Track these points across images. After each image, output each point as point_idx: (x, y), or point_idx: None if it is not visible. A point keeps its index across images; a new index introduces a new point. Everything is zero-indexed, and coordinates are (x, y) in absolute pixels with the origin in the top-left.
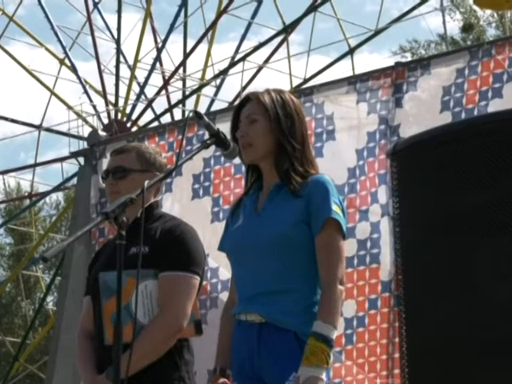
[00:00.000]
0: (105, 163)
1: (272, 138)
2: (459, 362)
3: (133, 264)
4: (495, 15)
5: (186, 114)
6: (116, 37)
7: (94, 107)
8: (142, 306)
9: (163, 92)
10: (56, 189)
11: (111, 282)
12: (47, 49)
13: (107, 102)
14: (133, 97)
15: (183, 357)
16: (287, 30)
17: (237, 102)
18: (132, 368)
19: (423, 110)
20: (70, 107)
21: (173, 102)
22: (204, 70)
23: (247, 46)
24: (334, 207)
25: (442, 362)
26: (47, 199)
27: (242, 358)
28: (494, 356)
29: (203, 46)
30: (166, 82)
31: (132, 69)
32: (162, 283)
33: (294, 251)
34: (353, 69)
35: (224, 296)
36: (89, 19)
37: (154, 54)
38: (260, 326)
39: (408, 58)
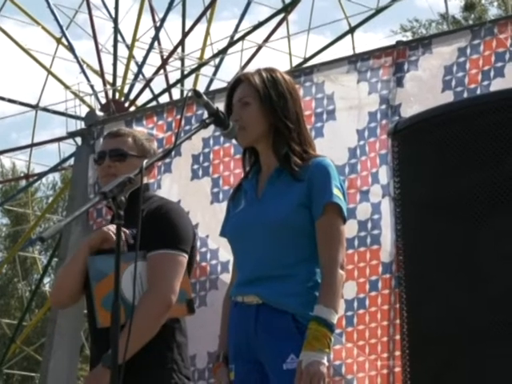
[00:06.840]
0: None
1: (266, 120)
2: (461, 345)
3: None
4: None
5: (185, 93)
6: (114, 15)
7: (92, 87)
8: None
9: (161, 71)
10: (53, 169)
11: (101, 265)
12: (44, 27)
13: (105, 82)
14: (131, 76)
15: (175, 339)
16: (287, 8)
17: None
18: (130, 350)
19: (424, 90)
20: (67, 87)
21: (171, 81)
22: (203, 50)
23: (242, 24)
24: (335, 191)
25: (444, 344)
26: (44, 180)
27: (239, 340)
28: (497, 339)
29: (201, 25)
30: (165, 62)
31: (130, 48)
32: (150, 263)
33: (295, 236)
34: (353, 48)
35: (224, 277)
36: None
37: (152, 32)
38: (257, 307)
39: (409, 37)
